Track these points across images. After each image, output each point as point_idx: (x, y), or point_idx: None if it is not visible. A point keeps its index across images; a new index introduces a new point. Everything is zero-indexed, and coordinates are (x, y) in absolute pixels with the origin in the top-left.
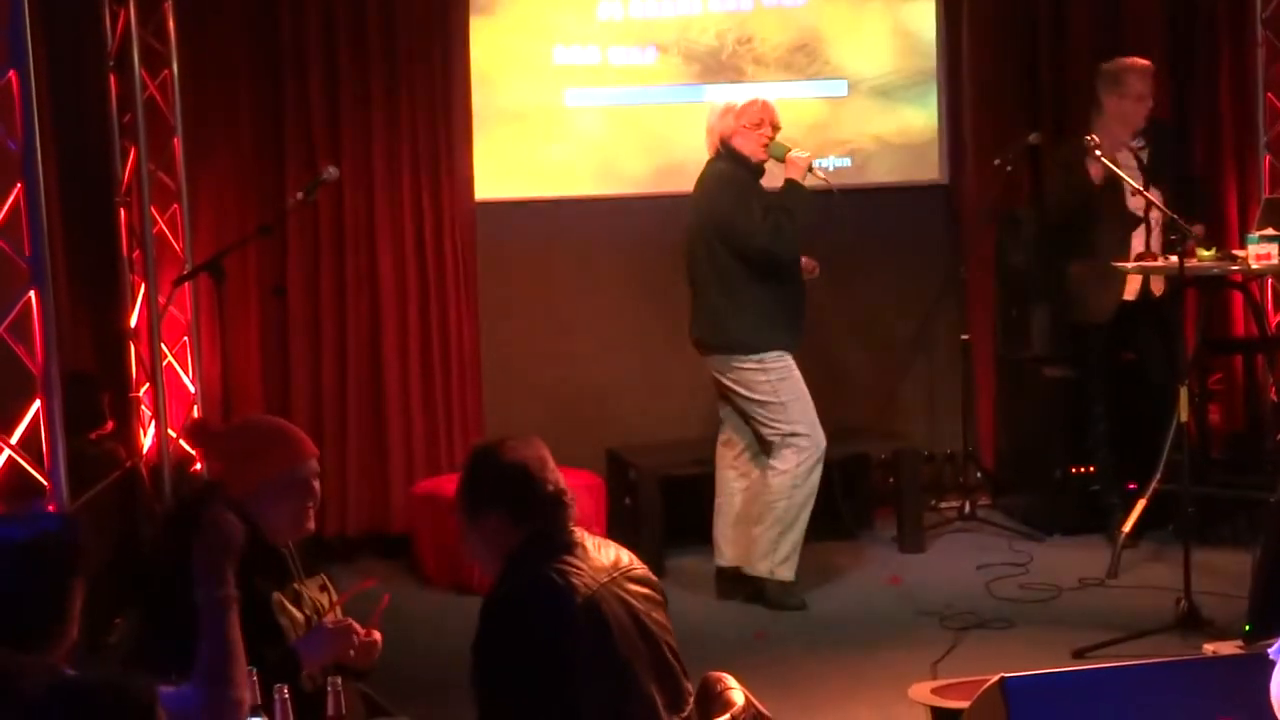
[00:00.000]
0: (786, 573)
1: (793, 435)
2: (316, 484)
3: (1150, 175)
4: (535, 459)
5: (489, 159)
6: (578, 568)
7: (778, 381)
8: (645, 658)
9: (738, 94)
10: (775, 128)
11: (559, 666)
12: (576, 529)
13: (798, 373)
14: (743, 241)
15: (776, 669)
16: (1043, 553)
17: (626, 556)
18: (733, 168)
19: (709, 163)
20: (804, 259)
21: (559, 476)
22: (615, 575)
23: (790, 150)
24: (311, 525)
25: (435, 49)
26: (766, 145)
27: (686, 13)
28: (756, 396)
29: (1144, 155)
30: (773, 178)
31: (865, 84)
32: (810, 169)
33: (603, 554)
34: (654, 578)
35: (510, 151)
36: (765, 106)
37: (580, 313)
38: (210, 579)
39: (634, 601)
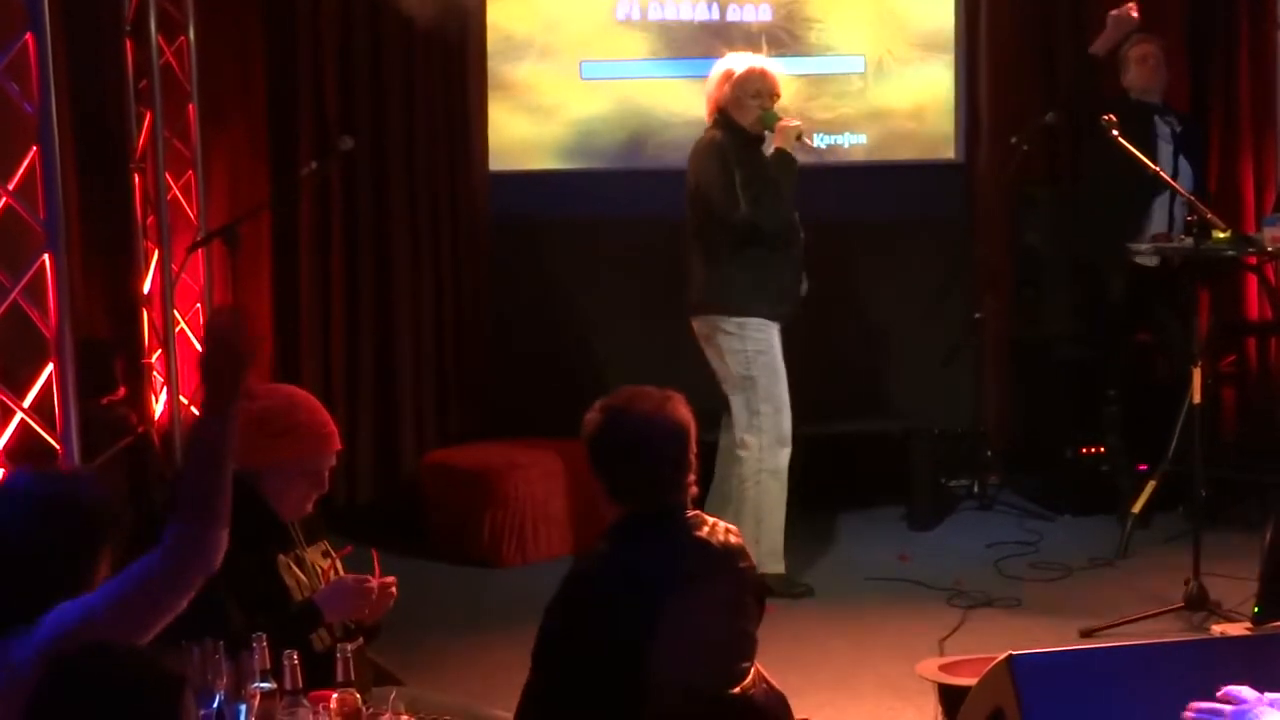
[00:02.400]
0: (775, 565)
1: (756, 413)
2: (329, 475)
3: (1180, 148)
4: (652, 431)
5: (503, 130)
6: (660, 557)
7: (754, 353)
8: (708, 644)
9: (736, 60)
10: (775, 96)
11: (617, 649)
12: (684, 511)
13: (777, 351)
14: (723, 212)
15: (785, 643)
16: (1053, 532)
17: (731, 543)
18: (726, 136)
19: (706, 130)
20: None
21: (681, 450)
22: (705, 561)
23: (780, 119)
24: (309, 506)
25: (451, 19)
26: (761, 115)
27: (704, 19)
28: (730, 365)
29: (1179, 129)
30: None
31: (882, 61)
32: (799, 138)
33: (705, 537)
34: (750, 567)
35: (525, 123)
36: (764, 75)
37: (591, 285)
38: (219, 397)
39: (714, 591)
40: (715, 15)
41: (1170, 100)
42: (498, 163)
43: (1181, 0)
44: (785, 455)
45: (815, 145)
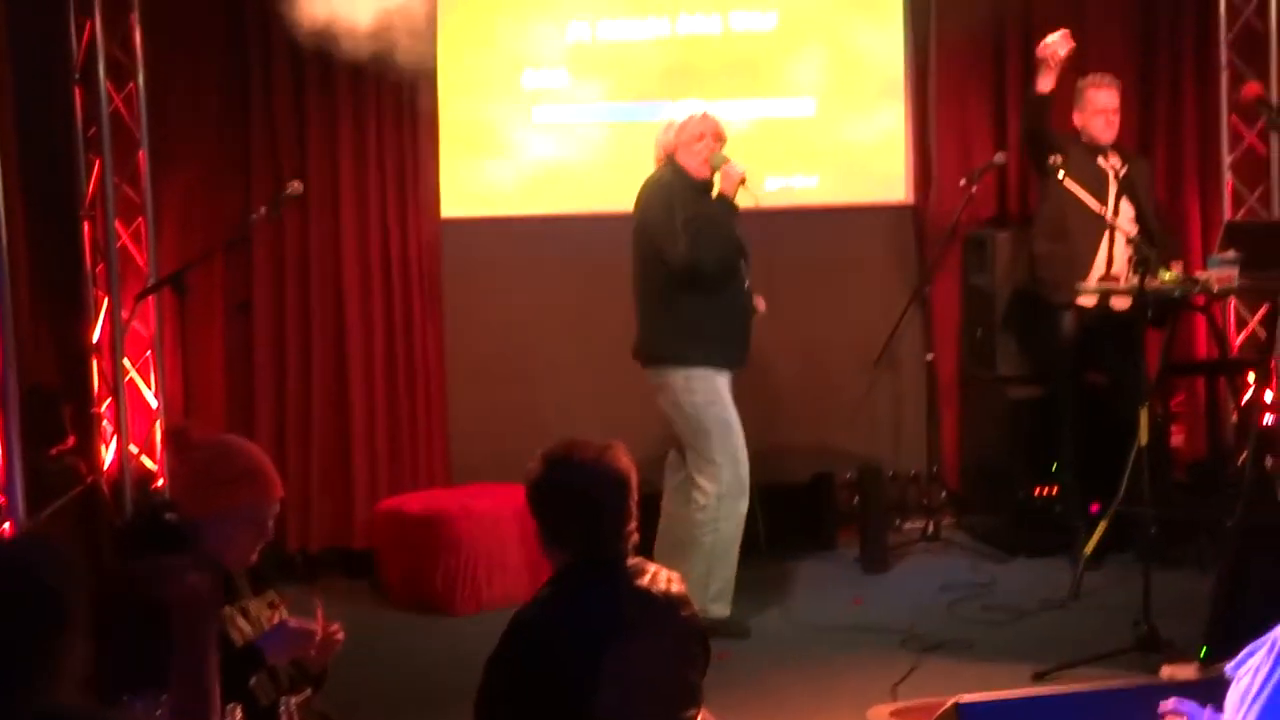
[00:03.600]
0: (720, 609)
1: (711, 463)
2: (273, 523)
3: (1123, 189)
4: (593, 480)
5: (455, 176)
6: (601, 606)
7: (704, 405)
8: (651, 694)
9: (683, 109)
10: (719, 139)
11: (559, 701)
12: (626, 559)
13: (727, 399)
14: (666, 252)
15: (738, 689)
16: (1005, 574)
17: (673, 592)
18: (671, 177)
19: (652, 173)
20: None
21: (622, 499)
22: (646, 611)
23: (725, 164)
24: (252, 556)
25: (403, 66)
26: (709, 159)
27: (655, 35)
28: (682, 414)
29: (1122, 171)
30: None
31: (833, 104)
32: (743, 183)
33: (646, 586)
34: (692, 615)
35: (477, 169)
36: (705, 119)
37: (546, 331)
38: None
39: (656, 640)
40: (670, 57)
41: (1118, 139)
42: (450, 209)
43: (1128, 41)
44: (743, 504)
45: (761, 190)
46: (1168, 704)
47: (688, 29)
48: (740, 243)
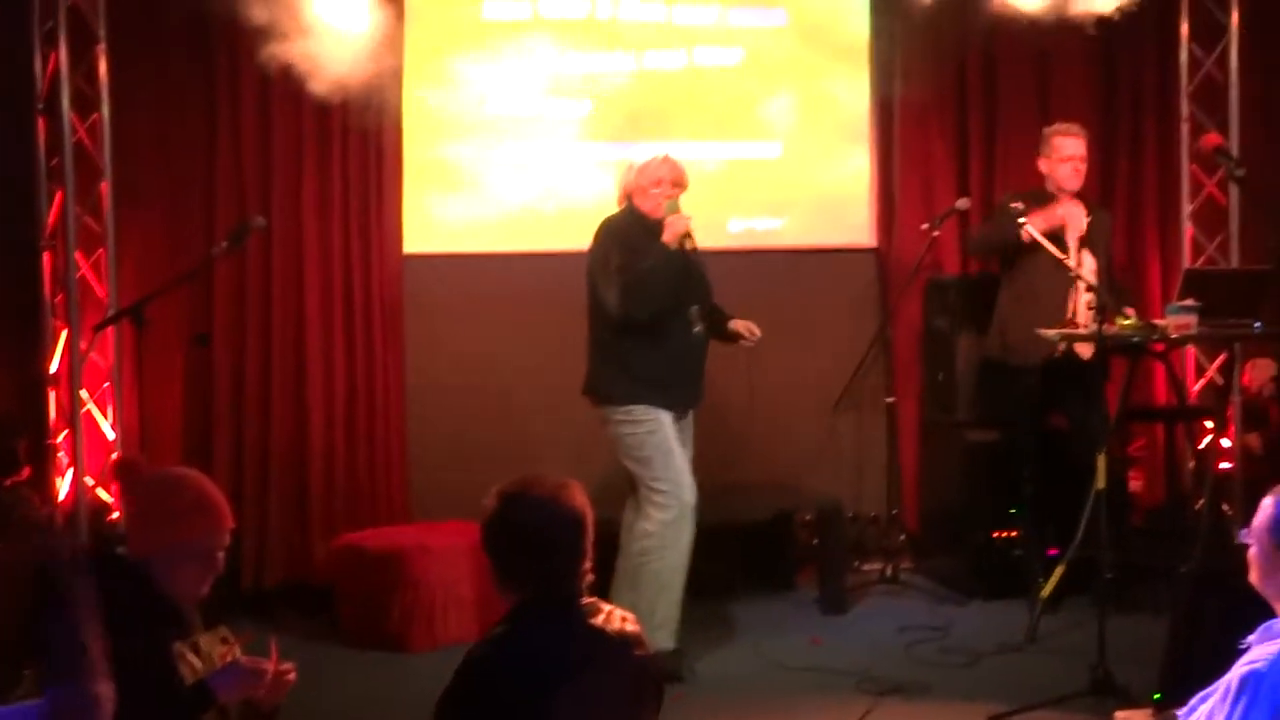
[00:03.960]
0: (665, 640)
1: (655, 490)
2: (223, 556)
3: (1084, 241)
4: (547, 519)
5: (419, 212)
6: (554, 645)
7: (645, 435)
8: None
9: (648, 151)
10: (677, 185)
11: None
12: (579, 599)
13: (668, 430)
14: (603, 297)
15: None
16: (963, 617)
17: (627, 631)
18: (626, 219)
19: (611, 214)
20: (741, 324)
21: (577, 538)
22: (600, 650)
23: (676, 212)
24: (204, 589)
25: (368, 102)
26: (663, 205)
27: (621, 69)
28: (624, 445)
29: (1084, 223)
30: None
31: (797, 147)
32: (688, 235)
33: (599, 626)
34: (645, 655)
35: (440, 205)
36: (665, 163)
37: (508, 367)
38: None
39: (609, 680)
40: (637, 98)
41: (1081, 191)
42: (413, 244)
43: (1091, 91)
44: (687, 534)
45: (695, 247)
46: None
47: (654, 64)
48: (678, 290)
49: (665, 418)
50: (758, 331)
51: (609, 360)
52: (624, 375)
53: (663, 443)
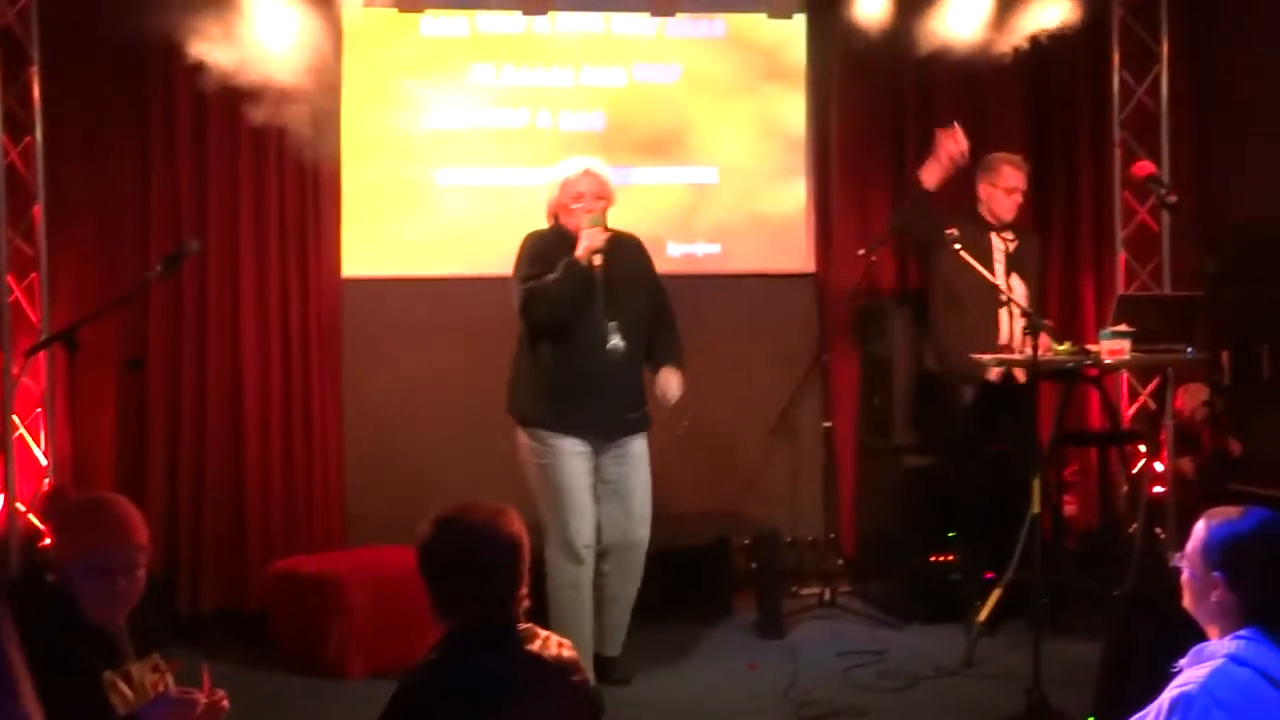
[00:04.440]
0: None
1: (547, 528)
2: (124, 577)
3: (1011, 266)
4: (483, 545)
5: (357, 236)
6: (490, 671)
7: (539, 466)
8: None
9: (568, 164)
10: (599, 198)
11: None
12: (514, 625)
13: (567, 463)
14: (513, 306)
15: None
16: (901, 640)
17: (564, 657)
18: (549, 235)
19: None
20: (663, 382)
21: (512, 564)
22: (537, 676)
23: (592, 228)
24: (119, 612)
25: (306, 126)
26: (581, 221)
27: (559, 84)
28: (524, 471)
29: (1012, 247)
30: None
31: (735, 172)
32: (595, 253)
33: (536, 651)
34: (583, 680)
35: (379, 229)
36: (586, 177)
37: (447, 392)
38: None
39: (546, 705)
40: (596, 123)
41: (1016, 216)
42: (352, 268)
43: (1025, 119)
44: (577, 571)
45: (597, 264)
46: None
47: (591, 80)
48: (577, 304)
49: (568, 448)
50: (670, 397)
51: (520, 376)
52: (530, 393)
53: (555, 476)
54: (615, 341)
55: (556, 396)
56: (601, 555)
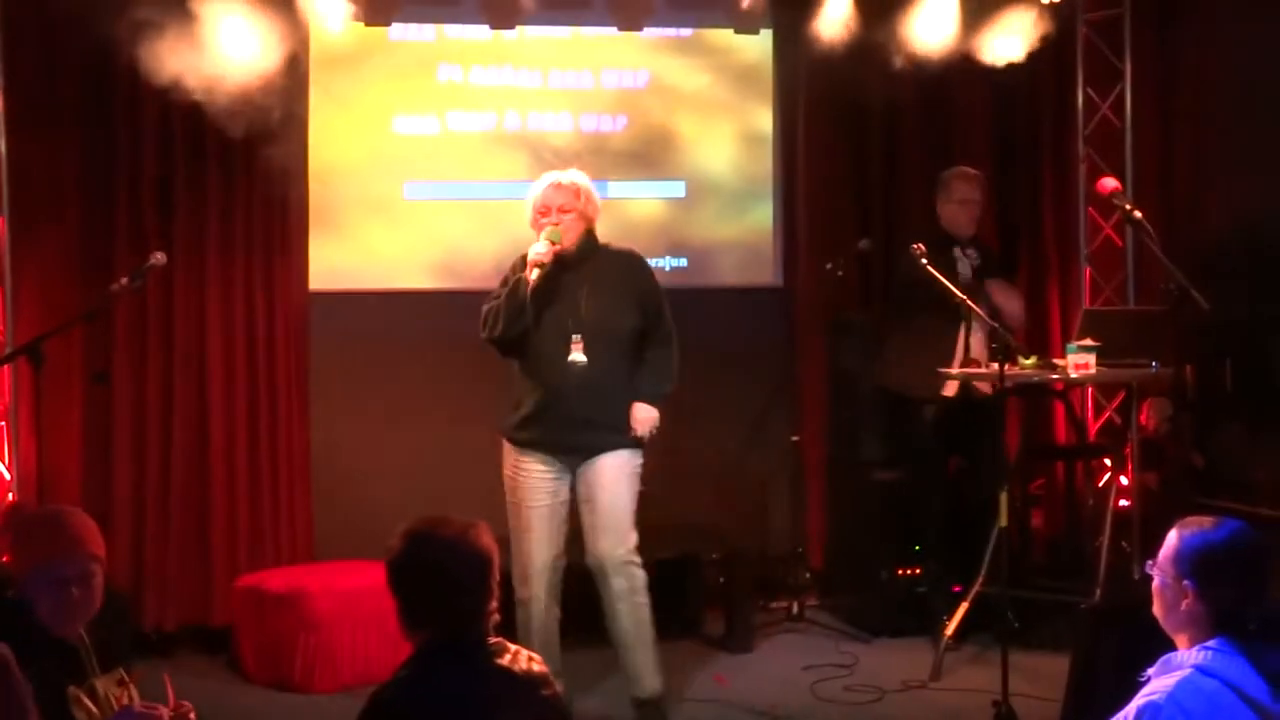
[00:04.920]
0: None
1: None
2: (77, 587)
3: (978, 280)
4: (453, 559)
5: (324, 250)
6: (460, 685)
7: (507, 478)
8: None
9: (541, 181)
10: (565, 211)
11: None
12: (485, 639)
13: (529, 485)
14: None
15: None
16: (868, 654)
17: (534, 671)
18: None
19: None
20: (636, 420)
21: (482, 578)
22: (507, 689)
23: (550, 240)
24: (75, 622)
25: (273, 138)
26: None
27: (527, 85)
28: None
29: (977, 263)
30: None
31: (703, 186)
32: (540, 266)
33: (506, 665)
34: (554, 695)
35: (346, 243)
36: (553, 189)
37: (415, 407)
38: None
39: (512, 718)
40: (569, 127)
41: (979, 229)
42: (318, 282)
43: (989, 135)
44: (530, 589)
45: (531, 282)
46: None
47: (560, 84)
48: (513, 322)
49: (527, 465)
50: (641, 432)
51: (510, 390)
52: (508, 407)
53: (514, 492)
54: (575, 356)
55: (520, 412)
56: (598, 578)
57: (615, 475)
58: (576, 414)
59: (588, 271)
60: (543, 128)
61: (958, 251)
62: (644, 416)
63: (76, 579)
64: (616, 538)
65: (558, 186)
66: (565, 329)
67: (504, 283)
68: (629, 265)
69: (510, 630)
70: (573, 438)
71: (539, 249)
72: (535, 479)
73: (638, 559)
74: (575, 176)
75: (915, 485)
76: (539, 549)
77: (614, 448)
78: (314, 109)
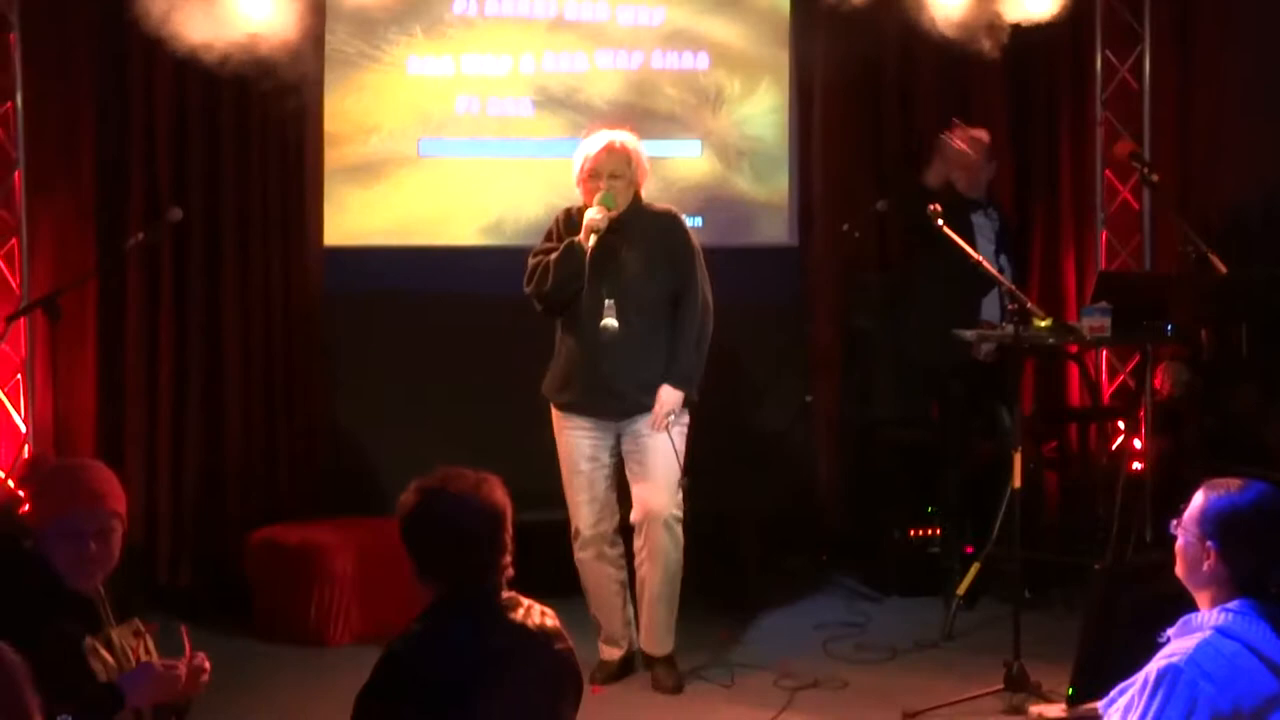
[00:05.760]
0: (603, 651)
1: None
2: (95, 541)
3: (1000, 245)
4: (466, 513)
5: (340, 204)
6: (473, 638)
7: (557, 442)
8: None
9: (590, 140)
10: (615, 177)
11: None
12: (498, 594)
13: (573, 443)
14: None
15: None
16: (880, 613)
17: (547, 626)
18: (577, 211)
19: None
20: (657, 408)
21: (495, 532)
22: (519, 644)
23: (603, 206)
24: (93, 576)
25: (288, 92)
26: (597, 197)
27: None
28: None
29: (998, 225)
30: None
31: (718, 145)
32: (594, 232)
33: (520, 620)
34: (566, 649)
35: (362, 198)
36: (605, 153)
37: (427, 362)
38: None
39: (528, 673)
40: (556, 94)
41: (995, 192)
42: (333, 237)
43: (1006, 98)
44: (581, 548)
45: (589, 248)
46: None
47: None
48: (564, 287)
49: (573, 429)
50: (657, 427)
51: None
52: (551, 370)
53: (565, 457)
54: (608, 320)
55: (561, 375)
56: (639, 532)
57: (663, 438)
58: (614, 375)
59: (627, 235)
60: (557, 68)
61: (979, 215)
62: (666, 399)
63: (95, 534)
64: (666, 495)
65: (611, 150)
66: (601, 292)
67: (548, 236)
68: (666, 226)
69: (525, 584)
70: (611, 399)
71: (595, 216)
72: (577, 441)
73: (681, 517)
74: (626, 139)
75: (936, 448)
76: (585, 512)
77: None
78: (329, 59)
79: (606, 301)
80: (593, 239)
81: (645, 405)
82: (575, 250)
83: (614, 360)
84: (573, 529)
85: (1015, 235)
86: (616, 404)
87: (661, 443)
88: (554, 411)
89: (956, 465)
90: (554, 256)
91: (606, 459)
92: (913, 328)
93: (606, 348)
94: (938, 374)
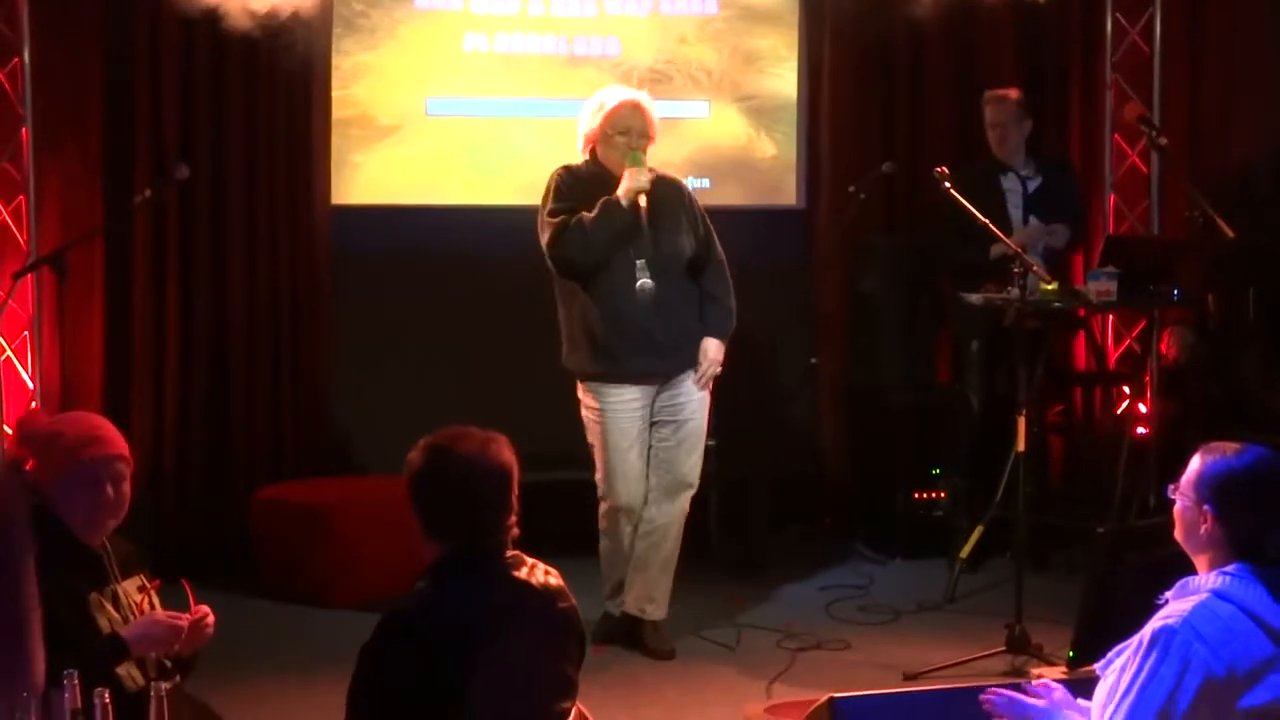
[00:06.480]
0: (612, 608)
1: (597, 482)
2: (112, 487)
3: (1031, 207)
4: (473, 471)
5: (347, 163)
6: (477, 597)
7: (592, 421)
8: (525, 685)
9: (610, 93)
10: (644, 136)
11: (433, 692)
12: (502, 552)
13: (618, 417)
14: (540, 243)
15: (612, 686)
16: (884, 575)
17: (550, 584)
18: (587, 169)
19: None
20: (705, 363)
21: (502, 491)
22: (523, 602)
23: (638, 167)
24: (107, 526)
25: (296, 50)
26: (627, 157)
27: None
28: (586, 427)
29: (1030, 185)
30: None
31: (726, 106)
32: (641, 193)
33: (524, 578)
34: (570, 608)
35: (370, 156)
36: (635, 110)
37: (433, 323)
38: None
39: (532, 632)
40: (563, 49)
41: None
42: (341, 196)
43: (1016, 61)
44: (622, 532)
45: (642, 215)
46: (988, 695)
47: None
48: (611, 248)
49: (618, 398)
50: (704, 384)
51: (569, 330)
52: (578, 347)
53: (605, 430)
54: (643, 281)
55: (597, 345)
56: (657, 497)
57: (701, 399)
58: (655, 339)
59: (650, 199)
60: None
61: (1003, 178)
62: (714, 353)
63: (110, 478)
64: (695, 461)
65: (636, 107)
66: (628, 254)
67: (557, 195)
68: (680, 193)
69: (530, 544)
70: (658, 360)
71: (640, 175)
72: (621, 417)
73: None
74: (645, 100)
75: (933, 407)
76: (623, 488)
77: (694, 367)
78: (336, 16)
79: (638, 262)
80: (643, 199)
81: (689, 360)
82: (619, 211)
83: (657, 318)
84: (605, 501)
85: (1076, 196)
86: (663, 364)
87: (700, 408)
88: (587, 386)
89: (967, 427)
90: (592, 215)
91: (646, 432)
92: (924, 290)
93: (646, 307)
94: (954, 336)
